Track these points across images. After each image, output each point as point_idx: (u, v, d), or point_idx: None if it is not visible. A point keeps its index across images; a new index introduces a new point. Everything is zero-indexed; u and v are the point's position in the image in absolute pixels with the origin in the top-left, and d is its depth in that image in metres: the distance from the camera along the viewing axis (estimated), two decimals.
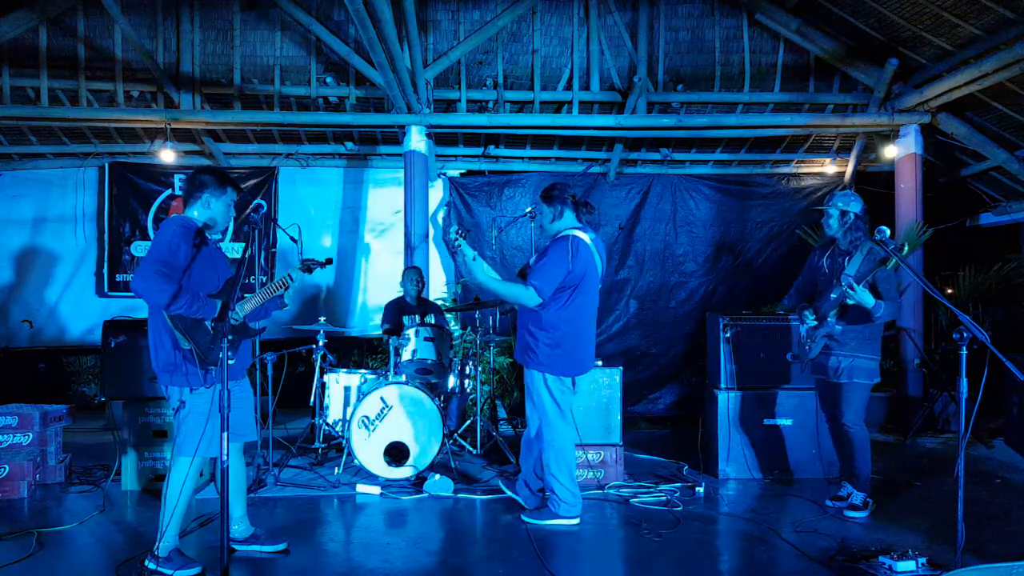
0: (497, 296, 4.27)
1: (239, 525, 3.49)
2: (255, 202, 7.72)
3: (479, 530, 3.93)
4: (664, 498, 4.38)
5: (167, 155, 7.01)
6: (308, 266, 3.42)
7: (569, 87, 7.22)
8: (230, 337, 2.78)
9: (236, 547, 3.45)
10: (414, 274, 6.17)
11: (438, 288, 7.73)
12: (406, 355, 5.11)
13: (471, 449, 5.59)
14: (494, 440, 5.59)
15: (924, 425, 6.28)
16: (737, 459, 4.88)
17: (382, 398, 4.70)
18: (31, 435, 4.57)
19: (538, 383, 3.89)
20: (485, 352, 6.16)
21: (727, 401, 4.90)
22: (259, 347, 4.77)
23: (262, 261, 7.68)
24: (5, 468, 4.40)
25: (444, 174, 7.92)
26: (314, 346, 5.29)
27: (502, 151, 7.90)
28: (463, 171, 8.06)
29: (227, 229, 7.62)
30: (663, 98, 7.21)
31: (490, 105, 7.26)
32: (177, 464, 3.16)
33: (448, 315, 6.75)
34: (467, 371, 5.69)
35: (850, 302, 3.84)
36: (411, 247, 6.80)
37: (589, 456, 4.70)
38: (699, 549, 3.60)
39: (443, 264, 7.86)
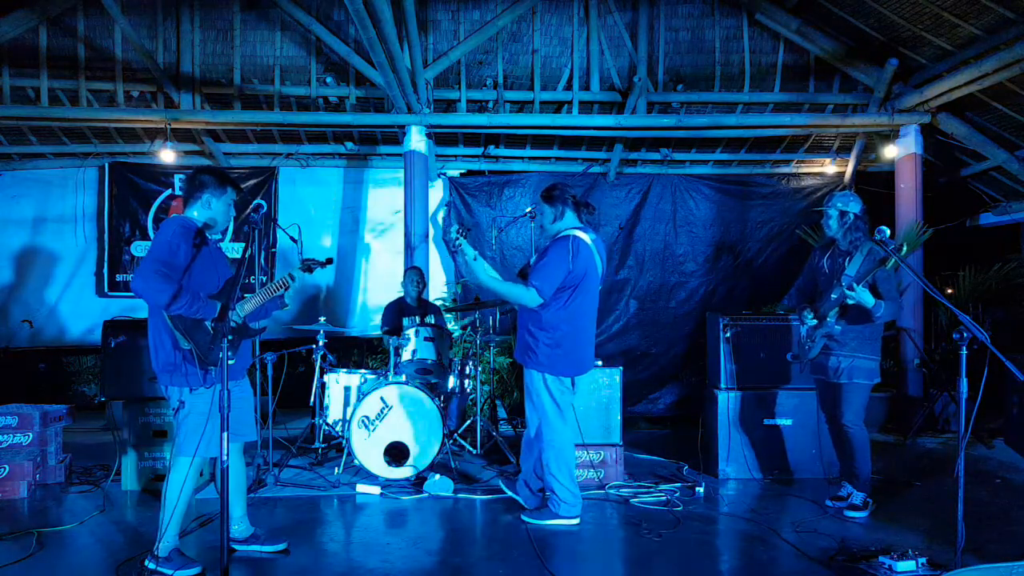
0: (498, 296, 4.28)
1: (239, 525, 3.49)
2: (255, 202, 7.72)
3: (479, 530, 3.93)
4: (664, 498, 4.38)
5: (167, 155, 7.01)
6: (308, 266, 3.43)
7: (569, 87, 7.22)
8: (230, 337, 2.78)
9: (236, 547, 3.45)
10: (415, 275, 6.16)
11: (438, 288, 7.73)
12: (406, 355, 5.11)
13: (471, 449, 5.59)
14: (494, 440, 5.59)
15: (924, 425, 6.28)
16: (737, 459, 4.88)
17: (382, 398, 4.70)
18: (31, 435, 4.57)
19: (538, 383, 3.89)
20: (485, 352, 6.16)
21: (727, 401, 4.90)
22: (259, 347, 4.76)
23: (262, 261, 7.68)
24: (5, 468, 4.40)
25: (444, 174, 7.92)
26: (314, 346, 5.29)
27: (502, 151, 7.90)
28: (463, 171, 8.06)
29: (227, 229, 7.61)
30: (663, 98, 7.21)
31: (490, 105, 7.26)
32: (177, 464, 3.16)
33: (448, 315, 6.75)
34: (467, 371, 5.69)
35: (850, 302, 3.84)
36: (411, 247, 6.80)
37: (589, 456, 4.70)
38: (699, 549, 3.60)
39: (443, 264, 7.85)
